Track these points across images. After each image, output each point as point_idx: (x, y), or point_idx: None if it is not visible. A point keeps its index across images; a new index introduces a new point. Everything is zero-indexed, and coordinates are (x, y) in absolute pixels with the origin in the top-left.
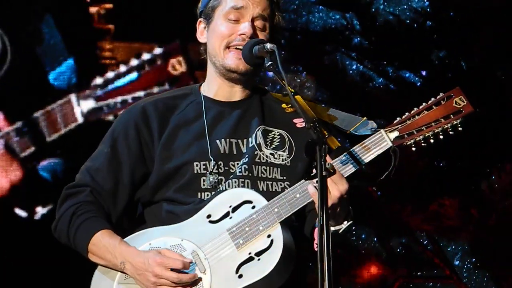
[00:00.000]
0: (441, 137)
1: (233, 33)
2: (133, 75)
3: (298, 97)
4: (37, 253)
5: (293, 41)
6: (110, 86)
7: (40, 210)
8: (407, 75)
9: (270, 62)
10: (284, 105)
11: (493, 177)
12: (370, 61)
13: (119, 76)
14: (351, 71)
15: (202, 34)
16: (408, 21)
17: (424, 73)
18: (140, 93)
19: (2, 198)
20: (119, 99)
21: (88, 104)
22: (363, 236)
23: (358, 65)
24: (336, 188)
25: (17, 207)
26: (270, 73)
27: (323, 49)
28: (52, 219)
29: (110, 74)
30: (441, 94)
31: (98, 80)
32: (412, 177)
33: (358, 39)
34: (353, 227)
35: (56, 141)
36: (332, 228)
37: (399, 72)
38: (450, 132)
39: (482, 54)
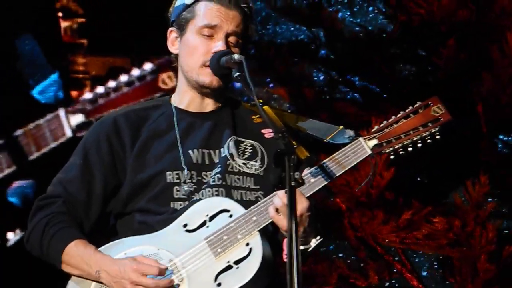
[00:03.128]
0: (420, 145)
1: (208, 51)
2: (124, 90)
3: (266, 107)
4: (13, 279)
5: (260, 53)
6: (100, 101)
7: (12, 237)
8: (373, 86)
9: (238, 73)
10: (253, 116)
11: (466, 188)
12: (337, 73)
13: (108, 91)
14: (318, 83)
15: (173, 44)
16: (375, 32)
17: (390, 85)
18: None
19: None
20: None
21: (77, 119)
22: (331, 247)
23: (325, 76)
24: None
25: None
26: (238, 84)
27: (290, 60)
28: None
29: (100, 89)
30: (419, 103)
31: (88, 95)
32: (379, 188)
33: (325, 51)
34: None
35: (38, 160)
36: (301, 247)
37: (365, 84)
38: (428, 141)
39: (449, 66)
